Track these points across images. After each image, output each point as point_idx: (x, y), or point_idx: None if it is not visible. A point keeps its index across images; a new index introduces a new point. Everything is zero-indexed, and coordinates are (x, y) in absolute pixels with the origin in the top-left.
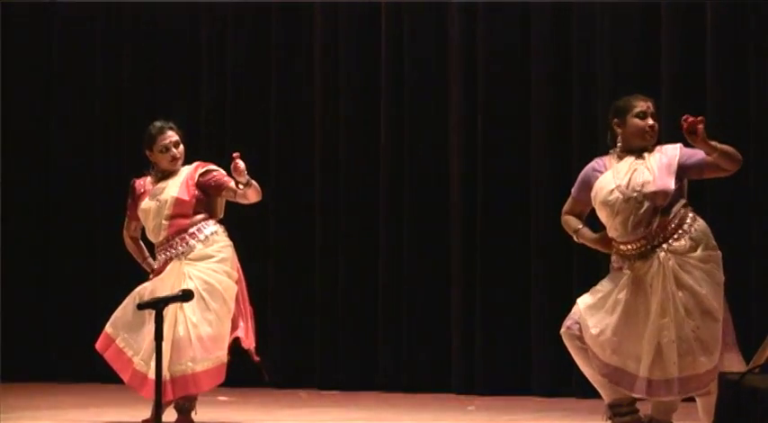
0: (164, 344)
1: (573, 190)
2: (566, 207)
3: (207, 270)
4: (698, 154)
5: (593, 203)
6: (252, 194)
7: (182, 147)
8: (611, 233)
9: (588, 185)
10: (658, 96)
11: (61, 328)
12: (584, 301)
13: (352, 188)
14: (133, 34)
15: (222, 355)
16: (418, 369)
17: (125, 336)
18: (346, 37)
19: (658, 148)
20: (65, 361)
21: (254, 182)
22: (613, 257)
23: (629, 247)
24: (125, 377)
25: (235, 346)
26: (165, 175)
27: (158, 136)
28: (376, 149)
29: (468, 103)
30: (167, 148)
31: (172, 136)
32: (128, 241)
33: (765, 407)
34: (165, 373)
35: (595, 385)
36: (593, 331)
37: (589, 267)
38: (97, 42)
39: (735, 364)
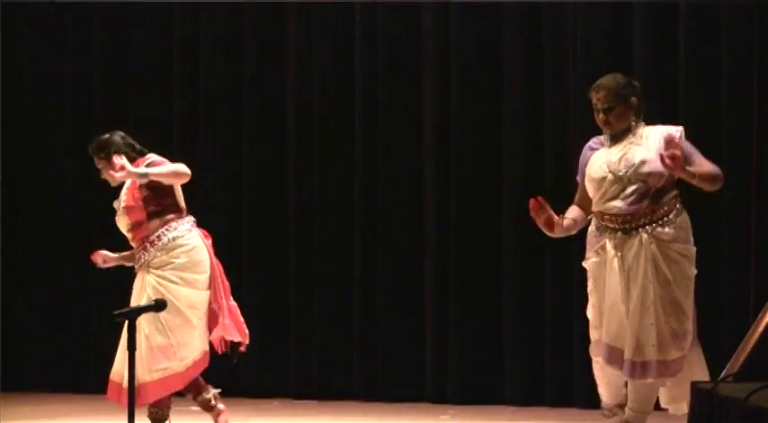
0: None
1: (578, 177)
2: (576, 197)
3: (159, 279)
4: (690, 158)
5: (585, 178)
6: (166, 179)
7: (109, 169)
8: (596, 207)
9: (586, 169)
10: None
11: (54, 337)
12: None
13: (325, 191)
14: (105, 33)
15: (174, 365)
16: (392, 378)
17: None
18: (320, 37)
19: (660, 128)
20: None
21: (150, 171)
22: (591, 230)
23: (613, 219)
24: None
25: (233, 347)
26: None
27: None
28: (350, 150)
29: (442, 102)
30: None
31: (96, 161)
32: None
33: (738, 416)
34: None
35: (599, 384)
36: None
37: (562, 279)
38: (68, 40)
39: (695, 356)
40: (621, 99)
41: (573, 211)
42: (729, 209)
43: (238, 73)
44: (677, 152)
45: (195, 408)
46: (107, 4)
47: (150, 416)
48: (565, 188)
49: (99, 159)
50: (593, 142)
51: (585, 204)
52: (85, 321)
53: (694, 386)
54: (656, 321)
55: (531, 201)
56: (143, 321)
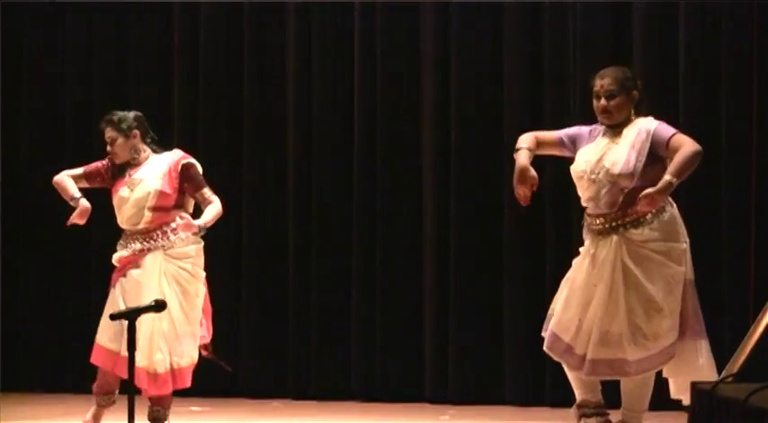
0: (161, 338)
1: (564, 130)
2: (543, 132)
3: (185, 274)
4: (663, 145)
5: (571, 167)
6: (216, 219)
7: (119, 141)
8: (582, 202)
9: (573, 141)
10: None
11: (54, 337)
12: (556, 298)
13: (324, 191)
14: (105, 33)
15: (194, 355)
16: (392, 379)
17: (115, 341)
18: (319, 37)
19: (641, 123)
20: (57, 371)
21: (204, 223)
22: (584, 230)
23: (592, 220)
24: (124, 374)
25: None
26: (136, 163)
27: (102, 130)
28: (349, 150)
29: (442, 102)
30: (106, 144)
31: (108, 133)
32: (62, 177)
33: (738, 416)
34: (174, 363)
35: (572, 383)
36: (556, 312)
37: (563, 278)
38: (68, 40)
39: (703, 351)
40: (625, 89)
41: (533, 142)
42: (729, 209)
43: (238, 73)
44: (646, 205)
45: (195, 408)
46: (107, 4)
47: (150, 415)
48: (565, 188)
49: (116, 132)
50: (593, 130)
51: (542, 142)
52: (85, 321)
53: (695, 386)
54: (617, 322)
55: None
56: (172, 306)
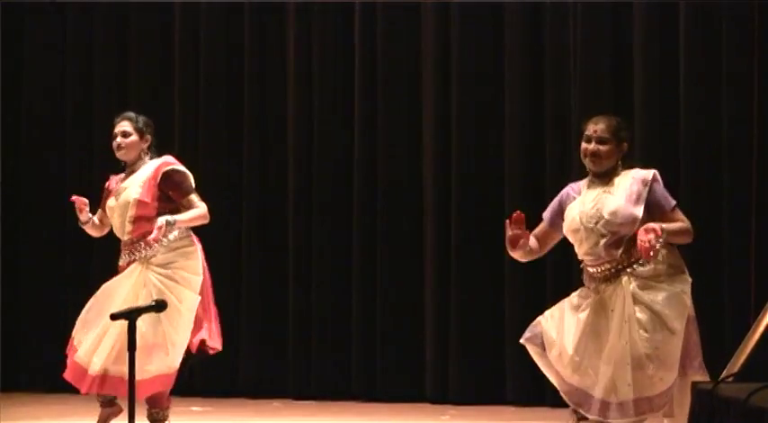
0: (110, 343)
1: (546, 213)
2: (536, 230)
3: (164, 279)
4: (662, 207)
5: (563, 229)
6: (191, 224)
7: (132, 138)
8: (580, 256)
9: (562, 211)
10: (631, 98)
11: (54, 337)
12: (549, 315)
13: (324, 190)
14: (105, 34)
15: (163, 366)
16: (392, 379)
17: (81, 332)
18: (319, 37)
19: (633, 172)
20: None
21: (177, 221)
22: (584, 276)
23: (595, 270)
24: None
25: (200, 348)
26: (131, 170)
27: (114, 123)
28: (350, 150)
29: (442, 103)
30: (115, 136)
31: (123, 126)
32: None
33: (738, 416)
34: (107, 369)
35: (559, 389)
36: (554, 351)
37: (563, 277)
38: (68, 40)
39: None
40: (617, 138)
41: (533, 241)
42: (729, 209)
43: (238, 73)
44: (649, 243)
45: (196, 408)
46: (107, 3)
47: (150, 417)
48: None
49: (133, 128)
50: (571, 189)
51: (541, 240)
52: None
53: (695, 386)
54: (633, 358)
55: (515, 214)
56: (139, 319)
